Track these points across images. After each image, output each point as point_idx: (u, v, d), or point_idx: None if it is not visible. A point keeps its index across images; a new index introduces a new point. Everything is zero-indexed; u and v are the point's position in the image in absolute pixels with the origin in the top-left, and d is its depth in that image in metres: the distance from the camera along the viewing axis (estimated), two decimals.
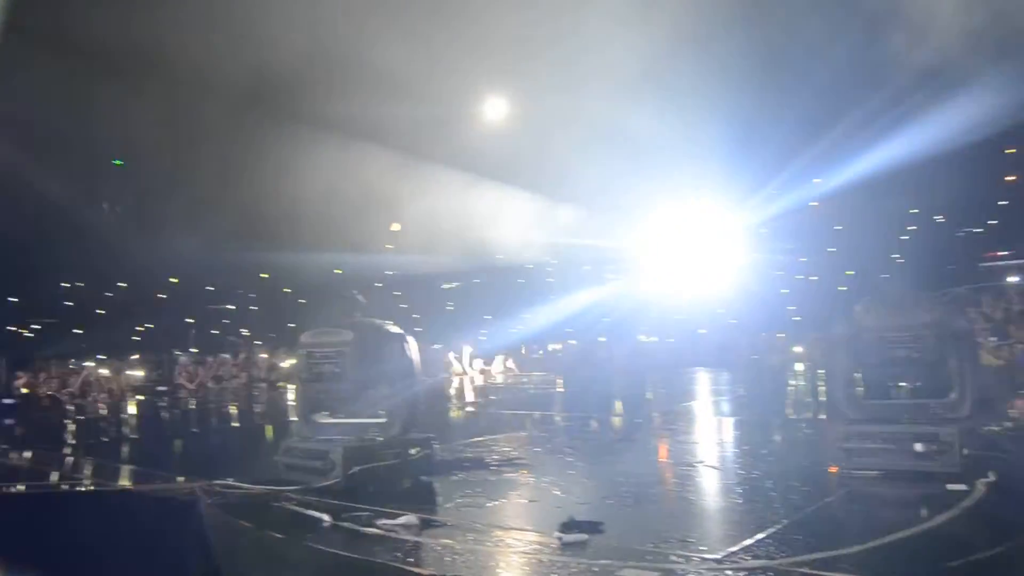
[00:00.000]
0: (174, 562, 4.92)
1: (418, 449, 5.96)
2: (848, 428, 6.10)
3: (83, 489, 5.96)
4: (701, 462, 7.45)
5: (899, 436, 5.80)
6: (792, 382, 16.51)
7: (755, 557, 4.00)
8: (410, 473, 5.92)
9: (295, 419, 6.03)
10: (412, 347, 5.87)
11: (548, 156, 17.70)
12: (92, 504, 5.43)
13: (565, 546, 4.24)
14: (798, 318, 24.71)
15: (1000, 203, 27.07)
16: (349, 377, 5.63)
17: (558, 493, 5.89)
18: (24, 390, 16.79)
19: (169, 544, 5.01)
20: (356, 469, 5.46)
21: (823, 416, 10.29)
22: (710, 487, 6.43)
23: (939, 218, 27.88)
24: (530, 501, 5.80)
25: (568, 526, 4.46)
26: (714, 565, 3.90)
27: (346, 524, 4.77)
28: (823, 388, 11.98)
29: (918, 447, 5.66)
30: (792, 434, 9.65)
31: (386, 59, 15.06)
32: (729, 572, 3.79)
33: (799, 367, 17.82)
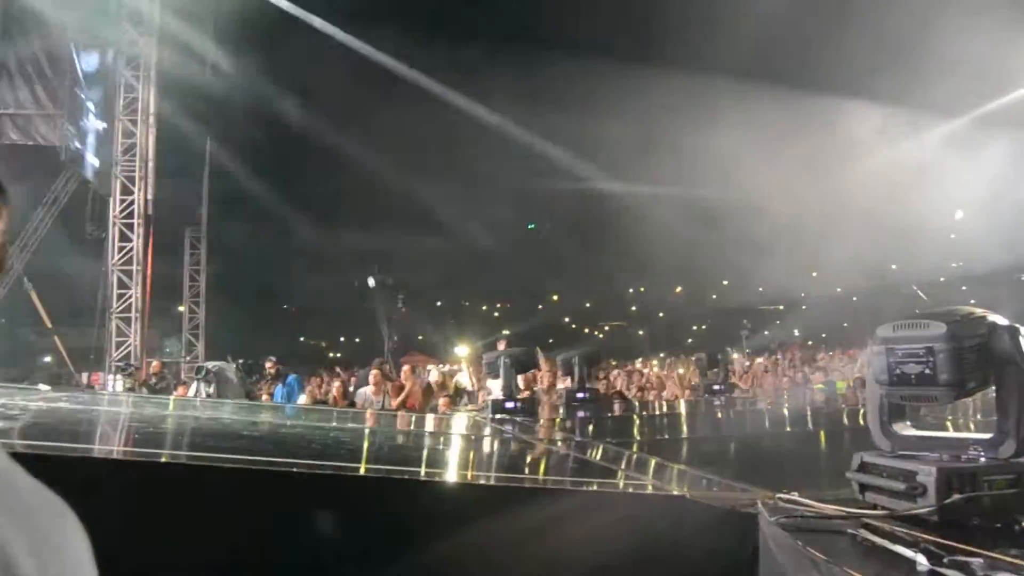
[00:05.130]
0: None
1: None
2: None
3: (640, 491, 5.72)
4: None
5: None
6: None
7: None
8: None
9: (871, 429, 4.99)
10: None
11: None
12: (646, 505, 5.14)
13: None
14: None
15: None
16: (942, 380, 4.41)
17: None
18: (597, 387, 18.22)
19: (722, 559, 4.46)
20: (956, 497, 4.24)
21: None
22: None
23: None
24: None
25: None
26: None
27: (948, 571, 3.64)
28: None
29: None
30: None
31: None
32: None
33: None
